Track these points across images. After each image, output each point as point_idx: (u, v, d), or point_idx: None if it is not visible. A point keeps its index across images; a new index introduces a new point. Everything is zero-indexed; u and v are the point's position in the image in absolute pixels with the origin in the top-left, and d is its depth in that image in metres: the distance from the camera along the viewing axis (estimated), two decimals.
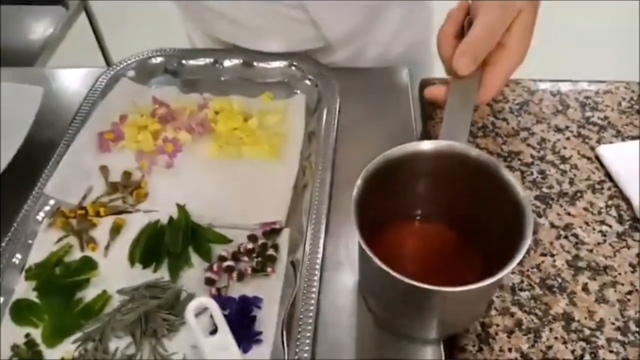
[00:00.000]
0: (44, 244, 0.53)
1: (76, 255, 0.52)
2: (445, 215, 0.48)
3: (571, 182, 0.57)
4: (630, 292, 0.48)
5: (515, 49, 0.51)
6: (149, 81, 0.70)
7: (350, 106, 0.64)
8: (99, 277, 0.51)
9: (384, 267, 0.37)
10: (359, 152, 0.61)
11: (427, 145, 0.46)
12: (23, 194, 0.56)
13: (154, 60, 0.70)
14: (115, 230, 0.54)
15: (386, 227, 0.48)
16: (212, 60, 0.70)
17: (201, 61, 0.70)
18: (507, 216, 0.42)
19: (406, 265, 0.43)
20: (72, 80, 0.71)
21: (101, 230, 0.54)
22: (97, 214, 0.55)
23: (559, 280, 0.49)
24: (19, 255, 0.52)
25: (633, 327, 0.46)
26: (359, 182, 0.43)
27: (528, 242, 0.38)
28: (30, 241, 0.53)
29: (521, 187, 0.42)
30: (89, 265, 0.51)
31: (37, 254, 0.52)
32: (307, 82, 0.67)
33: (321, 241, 0.51)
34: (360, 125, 0.63)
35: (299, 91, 0.67)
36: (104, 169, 0.59)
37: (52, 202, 0.56)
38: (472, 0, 0.53)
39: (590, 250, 0.51)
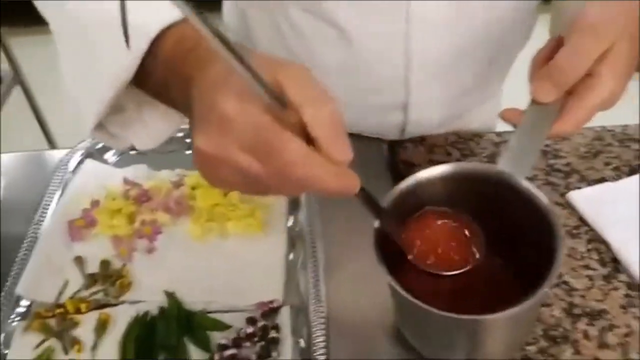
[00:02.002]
0: (22, 351, 0.48)
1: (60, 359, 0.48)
2: None
3: None
4: (627, 334, 0.50)
5: (605, 80, 0.44)
6: (115, 161, 0.67)
7: None
8: None
9: (411, 299, 0.38)
10: (345, 215, 0.61)
11: (441, 170, 0.46)
12: None
13: None
14: (101, 327, 0.50)
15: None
16: (181, 134, 0.68)
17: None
18: (536, 233, 0.42)
19: (438, 294, 0.44)
20: (30, 165, 0.68)
21: (85, 328, 0.50)
22: (78, 311, 0.51)
23: (561, 329, 0.50)
24: None
25: None
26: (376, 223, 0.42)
27: (560, 257, 0.39)
28: (5, 350, 0.48)
29: (545, 198, 0.42)
30: None
31: None
32: None
33: (324, 315, 0.49)
34: None
35: None
36: (78, 260, 0.55)
37: (25, 302, 0.52)
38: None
39: (583, 296, 0.53)
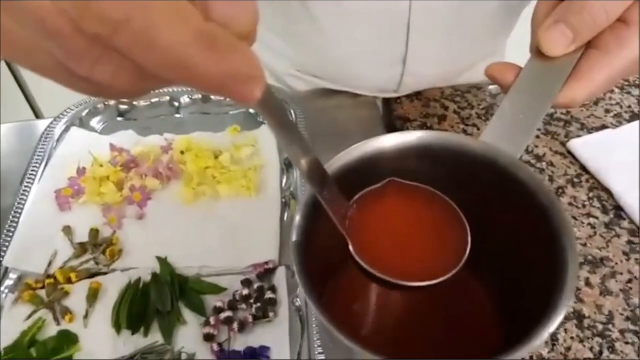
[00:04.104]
0: (13, 323, 0.47)
1: (52, 330, 0.47)
2: None
3: (551, 179, 0.58)
4: (630, 281, 0.49)
5: None
6: (101, 128, 0.65)
7: (319, 129, 0.63)
8: (82, 351, 0.45)
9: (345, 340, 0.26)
10: None
11: (392, 141, 0.33)
12: None
13: (104, 105, 0.65)
14: (93, 295, 0.48)
15: (342, 274, 0.37)
16: (167, 98, 0.66)
17: (155, 99, 0.66)
18: (534, 240, 0.31)
19: (382, 312, 0.34)
20: (13, 136, 0.65)
21: (76, 298, 0.49)
22: (69, 281, 0.50)
23: None
24: None
25: None
26: (298, 219, 0.30)
27: (572, 290, 0.26)
28: None
29: (549, 188, 0.30)
30: (68, 339, 0.46)
31: (7, 336, 0.46)
32: None
33: None
34: (335, 148, 0.62)
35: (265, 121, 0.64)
36: (67, 230, 0.54)
37: (14, 275, 0.50)
38: None
39: (584, 244, 0.52)
